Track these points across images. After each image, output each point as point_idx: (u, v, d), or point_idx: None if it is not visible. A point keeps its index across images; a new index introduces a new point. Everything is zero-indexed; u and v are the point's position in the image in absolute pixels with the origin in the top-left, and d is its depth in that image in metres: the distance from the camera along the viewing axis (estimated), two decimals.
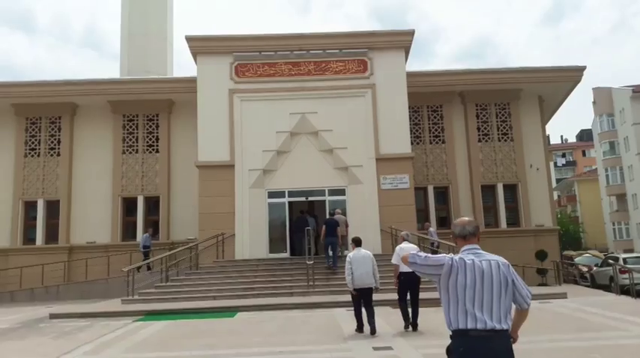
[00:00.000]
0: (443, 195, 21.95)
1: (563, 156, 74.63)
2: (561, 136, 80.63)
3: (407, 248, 9.12)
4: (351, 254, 9.39)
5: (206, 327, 10.47)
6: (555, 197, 50.05)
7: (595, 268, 20.46)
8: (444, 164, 21.89)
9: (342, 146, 18.80)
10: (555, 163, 69.40)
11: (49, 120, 21.73)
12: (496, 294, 3.13)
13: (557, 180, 64.70)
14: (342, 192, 18.90)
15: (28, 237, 21.27)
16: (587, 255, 27.33)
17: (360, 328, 9.14)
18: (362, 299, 9.15)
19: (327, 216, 17.21)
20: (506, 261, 3.31)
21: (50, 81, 21.17)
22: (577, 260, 25.16)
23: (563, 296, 13.61)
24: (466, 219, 3.48)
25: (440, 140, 22.08)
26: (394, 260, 9.38)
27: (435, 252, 16.16)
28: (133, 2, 26.96)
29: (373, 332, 8.85)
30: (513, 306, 3.26)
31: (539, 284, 18.82)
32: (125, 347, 8.74)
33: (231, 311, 12.62)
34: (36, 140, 21.67)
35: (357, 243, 9.71)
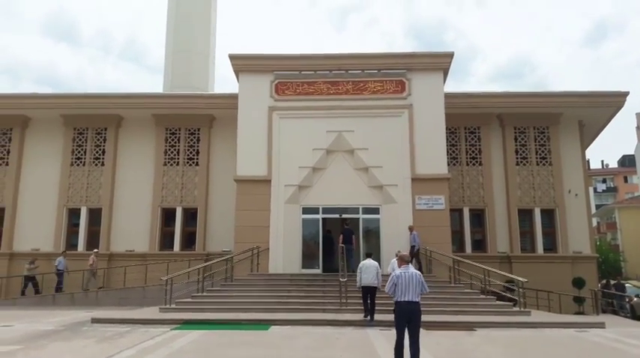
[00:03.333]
0: (478, 217, 21.77)
1: (604, 181, 72.65)
2: (602, 161, 78.58)
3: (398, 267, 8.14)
4: (363, 262, 13.37)
5: (241, 339, 10.69)
6: (594, 223, 48.72)
7: (635, 298, 19.87)
8: (481, 186, 21.75)
9: (377, 165, 18.94)
10: (595, 189, 67.62)
11: (95, 131, 22.62)
12: (414, 286, 7.48)
13: (597, 206, 62.95)
14: (376, 210, 18.98)
15: (71, 243, 22.06)
16: (627, 284, 26.50)
17: (365, 315, 13.00)
18: (368, 294, 12.90)
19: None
20: (419, 273, 7.85)
21: (98, 93, 22.14)
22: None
23: (601, 325, 13.30)
24: (406, 254, 8.48)
25: (477, 162, 21.98)
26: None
27: (415, 255, 16.76)
28: (179, 22, 28.04)
29: (371, 319, 12.66)
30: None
31: (576, 313, 18.41)
32: (165, 353, 9.02)
33: (265, 324, 12.82)
34: (82, 150, 22.56)
35: (368, 255, 13.77)
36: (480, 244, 21.39)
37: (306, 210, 19.07)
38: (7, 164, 22.61)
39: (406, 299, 7.35)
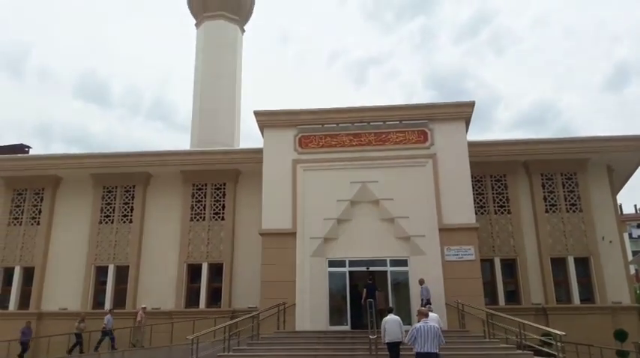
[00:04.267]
0: (510, 267, 21.13)
1: (639, 226, 70.39)
2: (635, 206, 76.45)
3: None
4: (386, 318, 13.44)
5: None
6: (632, 271, 46.83)
7: None
8: (511, 235, 21.24)
9: (403, 215, 18.72)
10: (630, 235, 65.44)
11: (124, 189, 23.06)
12: (431, 338, 8.43)
13: (634, 253, 60.69)
14: (404, 262, 18.60)
15: (98, 301, 22.09)
16: None
17: None
18: (394, 349, 12.83)
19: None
20: (438, 325, 9.40)
21: (127, 152, 22.64)
22: None
23: None
24: (424, 309, 10.49)
25: (505, 210, 21.58)
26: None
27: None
28: (205, 81, 29.12)
29: None
30: None
31: None
32: None
33: None
34: (111, 207, 22.94)
35: (390, 311, 14.02)
36: (513, 295, 20.67)
37: (332, 263, 18.81)
38: (38, 223, 23.09)
39: (425, 351, 8.71)
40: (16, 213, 23.43)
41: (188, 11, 31.92)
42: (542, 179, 21.80)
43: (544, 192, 21.65)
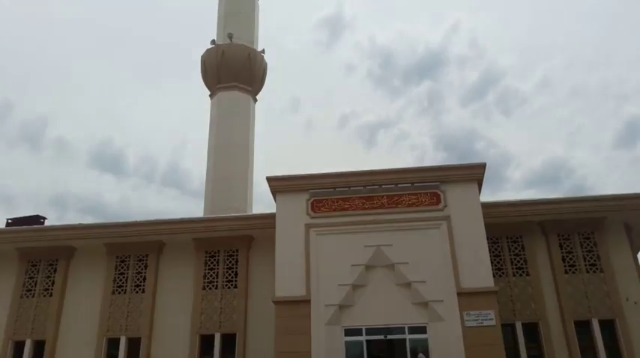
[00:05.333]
0: (532, 331, 20.36)
1: None
2: None
3: None
4: None
5: None
6: None
7: None
8: (531, 298, 20.63)
9: (420, 280, 18.35)
10: None
11: (137, 258, 22.97)
12: None
13: None
14: (422, 329, 18.01)
15: None
16: None
17: None
18: None
19: None
20: None
21: (141, 221, 22.68)
22: None
23: None
24: None
25: (523, 272, 21.10)
26: None
27: None
28: (219, 150, 29.86)
29: None
30: None
31: None
32: None
33: None
34: (124, 277, 22.79)
35: None
36: None
37: (348, 332, 18.26)
38: (50, 295, 22.91)
39: None
40: (30, 284, 23.32)
41: (202, 82, 33.14)
42: (560, 239, 21.43)
43: (562, 253, 21.22)
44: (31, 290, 23.23)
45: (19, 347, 22.46)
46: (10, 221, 25.54)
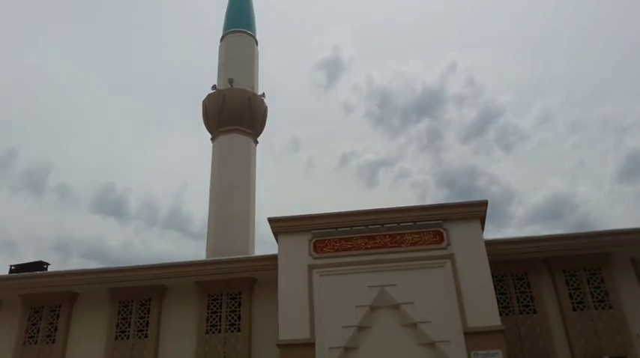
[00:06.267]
0: None
1: None
2: None
3: None
4: None
5: None
6: None
7: None
8: (539, 336, 20.26)
9: (425, 320, 18.08)
10: None
11: (140, 303, 22.79)
12: None
13: None
14: None
15: None
16: None
17: None
18: None
19: None
20: None
21: (144, 265, 22.55)
22: None
23: None
24: None
25: (530, 310, 20.80)
26: None
27: None
28: (220, 193, 30.15)
29: None
30: None
31: None
32: None
33: None
34: (127, 322, 22.55)
35: None
36: None
37: None
38: (53, 341, 22.65)
39: None
40: (32, 331, 23.09)
41: (204, 126, 33.69)
42: (566, 275, 21.20)
43: (569, 289, 20.94)
44: (33, 336, 22.98)
45: None
46: (13, 267, 25.54)
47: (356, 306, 18.53)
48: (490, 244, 19.93)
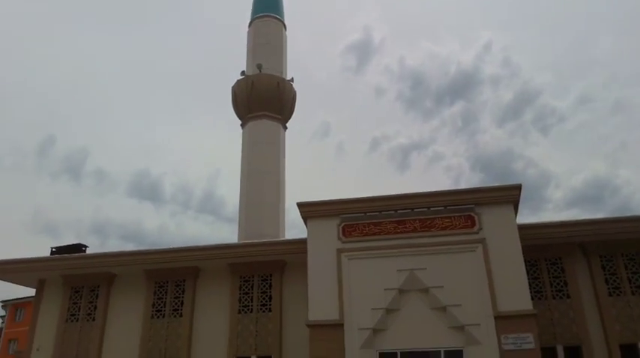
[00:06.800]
0: (575, 355, 19.62)
1: None
2: None
3: None
4: None
5: None
6: None
7: None
8: (572, 321, 19.93)
9: (455, 303, 18.04)
10: None
11: (175, 283, 23.51)
12: None
13: None
14: (459, 353, 17.64)
15: None
16: None
17: None
18: None
19: None
20: None
21: (179, 248, 23.22)
22: None
23: None
24: None
25: (563, 294, 20.45)
26: None
27: None
28: (251, 177, 30.52)
29: None
30: None
31: None
32: None
33: None
34: (162, 302, 23.32)
35: None
36: None
37: (383, 356, 18.07)
38: (93, 319, 23.67)
39: None
40: (74, 309, 24.16)
41: (234, 112, 34.01)
42: (602, 261, 20.72)
43: (605, 275, 20.48)
44: (75, 315, 24.06)
45: None
46: (54, 249, 26.65)
47: (385, 289, 18.62)
48: (524, 228, 19.62)
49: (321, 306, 18.89)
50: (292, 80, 34.37)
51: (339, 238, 19.82)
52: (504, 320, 17.58)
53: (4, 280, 25.51)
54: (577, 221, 21.10)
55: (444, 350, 17.84)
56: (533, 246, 19.98)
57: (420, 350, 17.94)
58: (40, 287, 25.08)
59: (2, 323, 58.16)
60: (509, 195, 19.57)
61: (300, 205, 20.65)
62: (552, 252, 20.98)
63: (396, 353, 18.08)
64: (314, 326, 18.68)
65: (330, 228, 20.03)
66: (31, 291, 26.68)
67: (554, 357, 19.48)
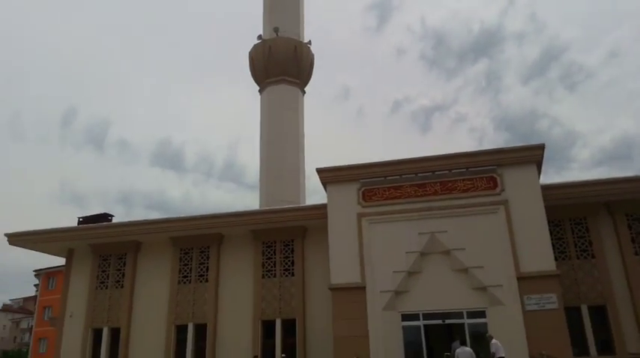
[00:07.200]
0: (600, 315, 19.57)
1: None
2: None
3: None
4: (458, 350, 15.35)
5: None
6: None
7: None
8: (597, 281, 19.80)
9: (477, 265, 18.08)
10: None
11: (199, 250, 23.95)
12: None
13: None
14: (481, 314, 17.79)
15: None
16: None
17: None
18: None
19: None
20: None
21: (202, 215, 23.55)
22: None
23: None
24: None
25: (588, 254, 20.26)
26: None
27: None
28: (270, 144, 30.54)
29: None
30: None
31: None
32: None
33: None
34: (188, 268, 23.84)
35: (463, 342, 15.98)
36: (606, 345, 19.05)
37: (405, 317, 18.34)
38: (122, 286, 24.36)
39: None
40: (102, 277, 24.87)
41: (252, 78, 33.73)
42: (628, 220, 20.39)
43: (631, 234, 20.18)
44: (104, 282, 24.78)
45: (97, 334, 24.11)
46: (81, 219, 27.25)
47: (406, 252, 18.70)
48: (547, 189, 19.35)
49: (342, 270, 19.09)
50: (310, 43, 33.81)
51: (360, 203, 19.83)
52: (527, 281, 17.58)
53: (35, 250, 26.32)
54: (603, 180, 20.66)
55: (467, 311, 17.97)
56: (557, 207, 19.73)
57: (442, 311, 18.08)
58: (69, 256, 25.81)
59: (37, 291, 60.30)
60: (532, 155, 19.25)
61: (320, 171, 20.63)
62: (577, 211, 20.69)
63: (418, 314, 18.28)
64: (336, 290, 18.93)
65: (351, 192, 20.03)
66: (61, 260, 27.47)
67: (578, 317, 19.44)
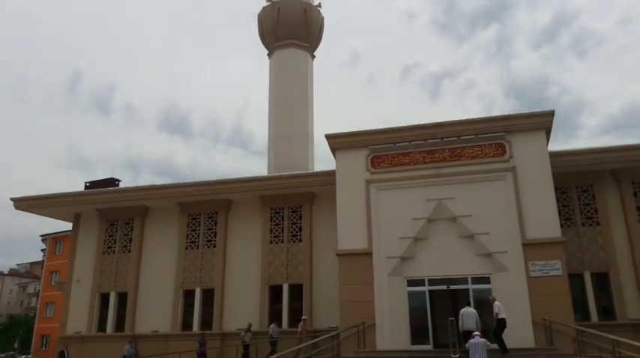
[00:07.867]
0: (602, 281, 19.87)
1: None
2: None
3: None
4: (462, 310, 15.85)
5: None
6: None
7: None
8: (601, 248, 20.02)
9: (483, 231, 18.20)
10: None
11: (207, 216, 24.14)
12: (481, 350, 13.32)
13: None
14: (486, 280, 18.00)
15: (186, 323, 23.10)
16: None
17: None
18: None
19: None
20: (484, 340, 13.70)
21: (210, 181, 23.64)
22: None
23: None
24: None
25: (593, 222, 20.42)
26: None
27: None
28: (279, 108, 30.25)
29: None
30: None
31: None
32: None
33: None
34: (196, 233, 24.08)
35: (468, 304, 16.60)
36: (607, 311, 19.40)
37: (411, 283, 18.55)
38: (129, 251, 24.66)
39: None
40: (110, 242, 25.16)
41: (261, 42, 33.28)
42: (634, 187, 20.47)
43: (636, 202, 20.30)
44: (111, 247, 25.08)
45: (105, 298, 24.53)
46: (88, 184, 27.37)
47: (413, 219, 18.82)
48: (555, 156, 19.34)
49: (349, 236, 19.26)
50: (320, 6, 33.09)
51: (368, 169, 19.87)
52: (532, 248, 17.73)
53: (42, 215, 26.53)
54: (609, 147, 20.65)
55: (472, 277, 18.17)
56: (564, 174, 19.78)
57: (447, 276, 18.32)
58: (76, 221, 26.03)
59: (44, 256, 61.01)
60: (541, 122, 19.16)
61: (329, 137, 20.61)
62: (583, 179, 20.77)
63: (423, 280, 18.51)
64: (343, 255, 19.15)
65: (359, 159, 20.05)
66: (68, 225, 27.73)
67: (581, 283, 19.75)
